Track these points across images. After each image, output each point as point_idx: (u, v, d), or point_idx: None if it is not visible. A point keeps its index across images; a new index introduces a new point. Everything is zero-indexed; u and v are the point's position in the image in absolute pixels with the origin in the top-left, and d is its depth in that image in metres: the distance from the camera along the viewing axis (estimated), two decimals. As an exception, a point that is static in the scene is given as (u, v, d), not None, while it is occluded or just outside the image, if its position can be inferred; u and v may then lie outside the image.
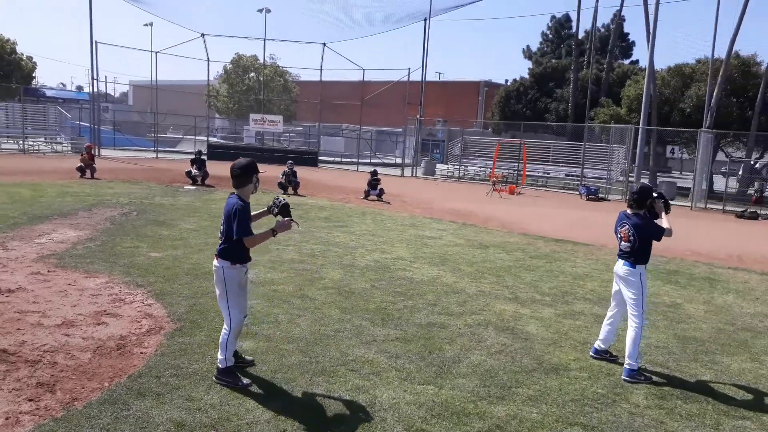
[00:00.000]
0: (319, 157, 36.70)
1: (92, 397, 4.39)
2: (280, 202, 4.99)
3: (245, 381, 4.83)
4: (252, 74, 59.93)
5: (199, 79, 60.36)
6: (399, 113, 36.04)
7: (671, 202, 6.59)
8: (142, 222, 12.18)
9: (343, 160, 39.55)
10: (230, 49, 58.84)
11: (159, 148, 37.32)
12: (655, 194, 5.92)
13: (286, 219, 4.90)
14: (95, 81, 32.52)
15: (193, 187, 19.40)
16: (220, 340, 4.85)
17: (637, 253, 5.82)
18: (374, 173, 20.35)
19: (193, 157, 21.09)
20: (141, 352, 5.29)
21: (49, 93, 57.90)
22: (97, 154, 31.13)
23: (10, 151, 31.11)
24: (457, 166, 34.37)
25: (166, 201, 15.72)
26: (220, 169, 18.59)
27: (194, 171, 20.29)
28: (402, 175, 33.69)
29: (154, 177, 21.69)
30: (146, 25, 67.67)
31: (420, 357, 5.75)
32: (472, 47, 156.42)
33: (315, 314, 6.83)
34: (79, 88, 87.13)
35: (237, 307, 4.85)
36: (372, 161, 39.71)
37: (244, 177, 4.81)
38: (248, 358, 5.27)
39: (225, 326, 4.84)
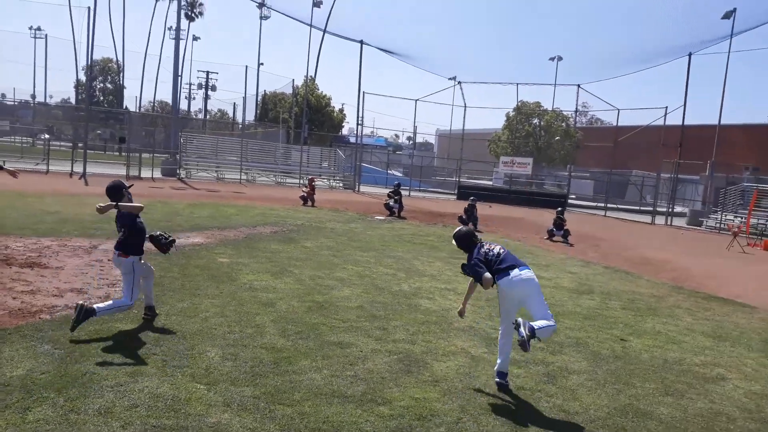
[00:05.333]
0: (569, 200, 35.02)
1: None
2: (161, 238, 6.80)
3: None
4: (535, 120, 60.29)
5: (491, 128, 63.48)
6: (657, 157, 32.45)
7: None
8: (274, 238, 13.67)
9: (598, 205, 36.93)
10: (513, 97, 59.74)
11: (425, 188, 40.50)
12: None
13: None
14: (359, 126, 36.67)
15: (383, 218, 20.63)
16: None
17: None
18: (560, 212, 18.99)
19: (392, 189, 22.40)
20: (42, 318, 6.34)
21: (353, 139, 66.19)
22: (355, 189, 35.23)
23: (292, 185, 36.70)
24: (730, 218, 29.33)
25: (335, 225, 17.16)
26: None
27: (391, 203, 21.56)
28: (652, 223, 30.16)
29: (365, 208, 23.61)
30: (450, 78, 73.44)
31: (253, 365, 5.66)
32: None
33: (239, 311, 7.11)
34: (427, 139, 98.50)
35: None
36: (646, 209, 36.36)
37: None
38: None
39: None
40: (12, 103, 63.45)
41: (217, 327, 6.64)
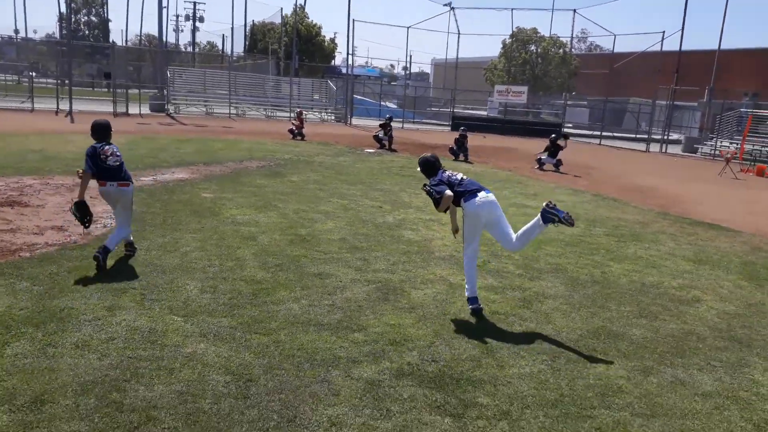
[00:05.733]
0: (564, 129, 34.63)
1: None
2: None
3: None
4: (532, 47, 58.96)
5: (488, 56, 62.32)
6: (654, 84, 31.91)
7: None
8: (260, 172, 13.60)
9: (593, 133, 36.54)
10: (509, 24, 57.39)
11: (420, 119, 40.13)
12: None
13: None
14: (350, 56, 35.91)
15: (373, 150, 20.49)
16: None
17: None
18: (554, 139, 18.74)
19: (382, 121, 22.14)
20: (21, 256, 6.37)
21: (345, 70, 64.87)
22: (347, 122, 34.84)
23: (282, 118, 36.21)
24: (726, 144, 29.14)
25: (323, 159, 17.06)
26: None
27: (380, 135, 21.36)
28: (647, 151, 30.04)
29: (355, 141, 23.41)
30: (446, 5, 71.16)
31: (232, 297, 5.73)
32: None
33: (220, 245, 7.15)
34: (407, 69, 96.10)
35: None
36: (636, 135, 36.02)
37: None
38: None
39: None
40: (-6, 39, 61.57)
41: (197, 261, 6.69)
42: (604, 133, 33.80)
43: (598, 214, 11.48)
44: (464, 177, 5.78)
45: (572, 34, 36.95)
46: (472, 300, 5.72)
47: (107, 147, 6.36)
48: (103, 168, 6.28)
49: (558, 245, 8.69)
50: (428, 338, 5.09)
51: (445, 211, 5.75)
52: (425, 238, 8.57)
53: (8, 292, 5.36)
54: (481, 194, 5.55)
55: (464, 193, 5.56)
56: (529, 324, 5.61)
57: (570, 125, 39.30)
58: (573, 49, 56.04)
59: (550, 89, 57.28)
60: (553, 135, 19.20)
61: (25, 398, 3.73)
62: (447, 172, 5.81)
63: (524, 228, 5.54)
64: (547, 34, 54.94)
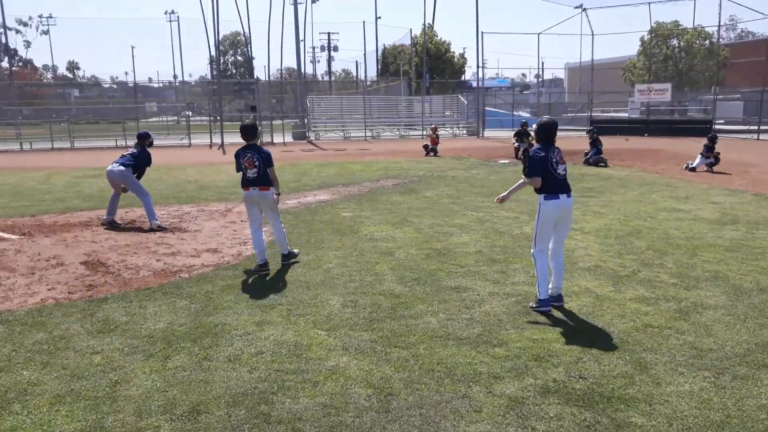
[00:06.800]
0: (715, 125, 31.94)
1: (97, 295, 6.24)
2: None
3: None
4: (673, 42, 55.19)
5: (625, 55, 59.34)
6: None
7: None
8: (396, 190, 13.85)
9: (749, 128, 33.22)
10: (646, 20, 53.29)
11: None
12: None
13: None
14: (480, 69, 35.64)
15: (507, 161, 20.12)
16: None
17: None
18: (713, 139, 17.24)
19: (518, 129, 21.67)
20: (181, 277, 6.94)
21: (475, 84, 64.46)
22: (480, 135, 34.59)
23: (415, 137, 36.74)
24: None
25: (456, 173, 17.03)
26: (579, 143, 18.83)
27: (516, 143, 20.94)
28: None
29: (488, 154, 23.15)
30: (577, 7, 68.51)
31: (370, 314, 5.83)
32: None
33: (360, 261, 7.32)
34: (533, 77, 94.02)
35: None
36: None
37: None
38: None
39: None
40: (157, 85, 68.76)
41: (338, 277, 6.89)
42: (762, 127, 30.65)
43: (761, 215, 10.38)
44: (563, 171, 5.72)
45: (719, 22, 33.77)
46: (558, 297, 5.78)
47: (248, 156, 6.99)
48: (245, 178, 6.99)
49: (716, 251, 7.94)
50: (575, 354, 4.83)
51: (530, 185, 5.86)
52: (567, 248, 8.17)
53: (170, 310, 5.84)
54: (563, 196, 5.67)
55: (551, 191, 5.63)
56: (687, 337, 5.14)
57: (721, 121, 36.20)
58: (721, 39, 51.67)
59: (696, 84, 53.29)
60: (712, 134, 17.72)
61: (183, 408, 4.01)
62: (556, 155, 5.70)
63: (556, 271, 5.88)
64: (689, 26, 51.36)
